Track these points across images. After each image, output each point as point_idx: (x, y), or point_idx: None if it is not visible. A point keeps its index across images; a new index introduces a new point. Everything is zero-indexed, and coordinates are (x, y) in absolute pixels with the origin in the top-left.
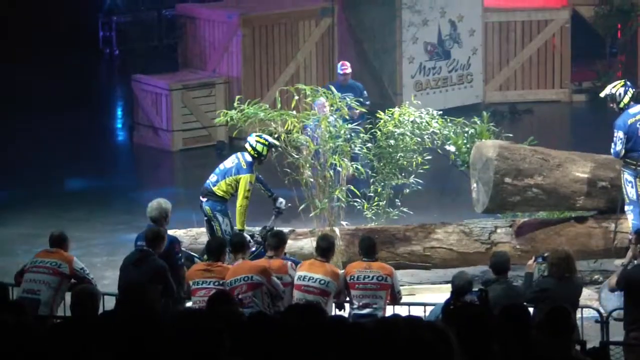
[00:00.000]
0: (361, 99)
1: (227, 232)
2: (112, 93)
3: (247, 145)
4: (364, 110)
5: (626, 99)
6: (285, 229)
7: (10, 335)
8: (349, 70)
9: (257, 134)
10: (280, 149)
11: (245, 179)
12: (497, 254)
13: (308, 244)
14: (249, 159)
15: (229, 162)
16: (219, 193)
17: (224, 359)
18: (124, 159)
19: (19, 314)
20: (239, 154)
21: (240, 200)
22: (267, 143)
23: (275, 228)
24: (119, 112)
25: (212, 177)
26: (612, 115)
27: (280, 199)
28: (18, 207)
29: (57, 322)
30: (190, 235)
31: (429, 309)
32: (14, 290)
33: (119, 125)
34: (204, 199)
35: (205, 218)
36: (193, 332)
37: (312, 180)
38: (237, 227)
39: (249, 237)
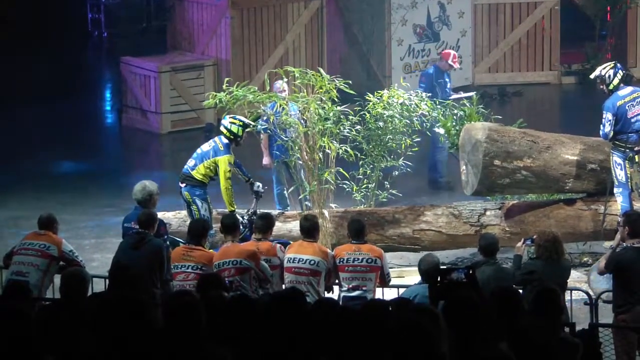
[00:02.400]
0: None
1: (205, 216)
2: (101, 75)
3: (222, 128)
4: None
5: (616, 81)
6: (274, 212)
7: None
8: (457, 66)
9: (231, 115)
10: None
11: (223, 159)
12: (485, 236)
13: (297, 227)
14: (226, 141)
15: (206, 146)
16: (198, 177)
17: (201, 340)
18: (112, 142)
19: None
20: (215, 137)
21: (222, 182)
22: (242, 124)
23: (258, 210)
24: (108, 95)
25: (190, 162)
26: (601, 97)
27: (257, 183)
28: (6, 190)
29: (46, 304)
30: (179, 218)
31: None
32: (3, 272)
33: (108, 108)
34: (183, 185)
35: (185, 203)
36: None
37: (300, 162)
38: (228, 208)
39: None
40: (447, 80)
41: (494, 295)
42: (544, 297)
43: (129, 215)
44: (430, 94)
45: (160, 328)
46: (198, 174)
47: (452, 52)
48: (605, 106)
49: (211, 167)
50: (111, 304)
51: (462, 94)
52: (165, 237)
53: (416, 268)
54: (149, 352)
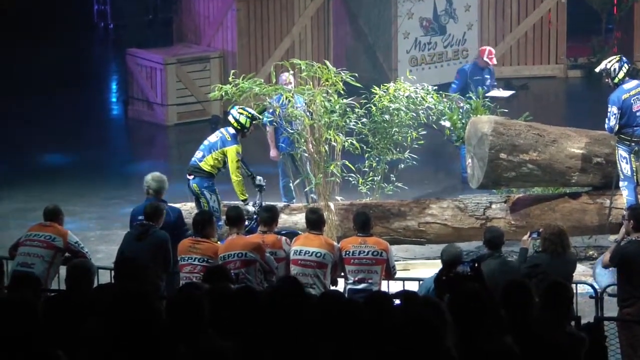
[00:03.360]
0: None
1: (214, 208)
2: (107, 67)
3: (230, 118)
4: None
5: (621, 75)
6: (280, 204)
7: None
8: (494, 62)
9: (239, 107)
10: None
11: (232, 149)
12: (491, 229)
13: (303, 219)
14: (233, 131)
15: (214, 137)
16: (206, 168)
17: (204, 331)
18: (118, 133)
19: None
20: (222, 129)
21: (232, 173)
22: (249, 115)
23: (264, 203)
24: (114, 87)
25: (198, 154)
26: (607, 91)
27: (258, 177)
28: (12, 181)
29: (51, 295)
30: (185, 210)
31: None
32: (8, 263)
33: (114, 100)
34: (191, 177)
35: (194, 196)
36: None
37: (306, 155)
38: (240, 197)
39: (251, 208)
40: (486, 76)
41: (505, 288)
42: (554, 291)
43: (140, 207)
44: (462, 91)
45: (164, 321)
46: (206, 165)
47: (488, 48)
48: (611, 100)
49: (219, 158)
50: (115, 297)
51: (501, 91)
52: (187, 227)
53: (422, 261)
54: (152, 345)
